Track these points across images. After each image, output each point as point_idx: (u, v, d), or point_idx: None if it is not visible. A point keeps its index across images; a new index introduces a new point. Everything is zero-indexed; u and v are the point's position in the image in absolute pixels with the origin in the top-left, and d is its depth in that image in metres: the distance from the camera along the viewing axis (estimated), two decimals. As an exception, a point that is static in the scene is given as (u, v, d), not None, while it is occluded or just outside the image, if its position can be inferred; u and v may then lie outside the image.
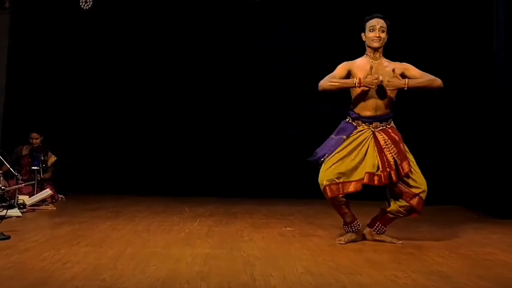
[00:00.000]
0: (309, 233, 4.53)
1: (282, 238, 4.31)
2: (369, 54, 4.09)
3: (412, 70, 4.05)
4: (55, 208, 6.02)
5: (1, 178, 5.74)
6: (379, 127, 4.02)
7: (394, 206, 4.03)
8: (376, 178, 3.88)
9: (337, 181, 3.85)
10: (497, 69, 6.46)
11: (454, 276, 3.01)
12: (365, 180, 3.86)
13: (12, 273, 2.85)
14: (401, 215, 4.07)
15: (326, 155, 3.95)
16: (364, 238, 4.18)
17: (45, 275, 2.82)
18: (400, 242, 4.06)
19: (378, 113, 4.03)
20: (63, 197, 7.00)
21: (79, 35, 8.11)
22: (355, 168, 3.89)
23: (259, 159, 8.14)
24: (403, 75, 4.02)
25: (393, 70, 3.97)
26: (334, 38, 7.59)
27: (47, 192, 6.19)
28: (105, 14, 7.92)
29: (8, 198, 5.49)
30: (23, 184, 5.97)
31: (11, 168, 5.75)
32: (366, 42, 4.09)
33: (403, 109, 7.21)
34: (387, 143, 3.95)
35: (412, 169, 3.93)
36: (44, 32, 8.05)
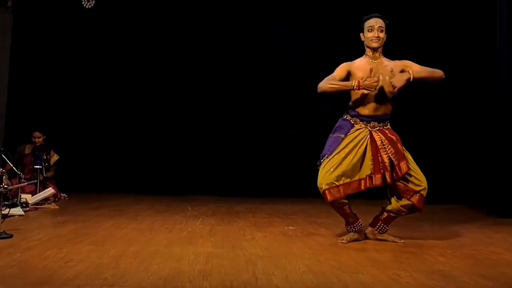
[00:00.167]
0: (311, 232, 4.53)
1: (284, 237, 4.30)
2: (368, 54, 4.07)
3: (412, 66, 4.02)
4: (57, 207, 6.03)
5: (4, 177, 5.74)
6: (376, 127, 4.00)
7: (395, 205, 4.02)
8: (369, 180, 3.88)
9: (337, 183, 3.83)
10: (501, 66, 6.43)
11: (457, 275, 3.00)
12: (368, 184, 3.88)
13: (14, 272, 2.86)
14: (403, 213, 4.07)
15: (326, 155, 3.93)
16: (366, 237, 4.17)
17: (48, 274, 2.82)
18: (403, 241, 4.06)
19: (377, 113, 4.01)
20: (66, 196, 7.01)
21: (81, 34, 8.13)
22: (354, 169, 3.88)
23: (259, 159, 8.15)
24: (403, 72, 3.99)
25: (391, 70, 3.97)
26: (334, 38, 7.59)
27: (49, 191, 6.20)
28: (106, 14, 7.94)
29: (10, 197, 5.51)
30: (26, 183, 5.99)
31: (13, 167, 5.76)
32: (365, 42, 4.07)
33: (406, 108, 7.30)
34: (384, 143, 3.93)
35: (411, 168, 3.91)
36: (47, 32, 8.07)
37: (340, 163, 3.86)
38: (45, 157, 6.66)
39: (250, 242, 4.01)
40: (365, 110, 4.01)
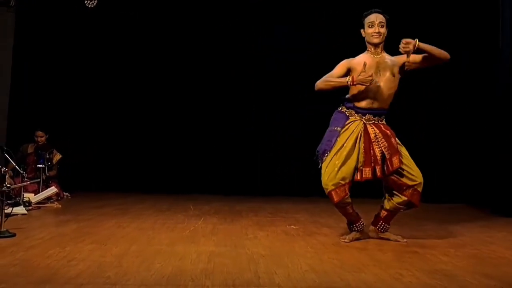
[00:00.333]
0: (313, 231, 4.53)
1: (286, 236, 4.31)
2: (370, 50, 4.05)
3: (413, 56, 4.02)
4: (60, 206, 6.04)
5: (7, 176, 5.75)
6: (371, 121, 3.99)
7: (390, 203, 4.02)
8: (358, 174, 3.87)
9: (343, 182, 3.84)
10: (503, 66, 6.43)
11: (459, 274, 3.00)
12: (357, 177, 3.87)
13: (17, 270, 2.86)
14: (401, 210, 4.05)
15: (327, 152, 3.92)
16: (368, 236, 4.17)
17: (50, 273, 2.83)
18: (405, 240, 4.06)
19: (374, 106, 3.99)
20: (68, 195, 7.02)
21: (83, 34, 8.14)
22: (354, 166, 3.88)
23: (259, 159, 8.17)
24: (405, 63, 4.01)
25: (393, 65, 3.96)
26: (334, 38, 7.60)
27: (52, 190, 6.22)
28: (108, 14, 7.94)
29: (13, 196, 5.50)
30: (29, 182, 6.00)
31: (16, 166, 5.77)
32: (365, 38, 4.06)
33: (408, 107, 7.33)
34: (377, 136, 3.92)
35: (404, 163, 3.88)
36: (49, 31, 8.08)
37: (345, 162, 3.85)
38: (47, 156, 6.67)
39: (253, 241, 4.01)
40: (362, 103, 4.00)
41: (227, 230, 4.55)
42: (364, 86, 3.90)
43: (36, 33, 8.04)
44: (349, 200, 3.94)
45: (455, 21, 7.58)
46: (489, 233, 4.66)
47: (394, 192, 3.99)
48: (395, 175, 3.90)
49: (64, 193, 6.94)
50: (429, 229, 4.75)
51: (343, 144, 3.91)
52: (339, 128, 3.97)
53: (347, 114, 4.03)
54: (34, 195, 5.94)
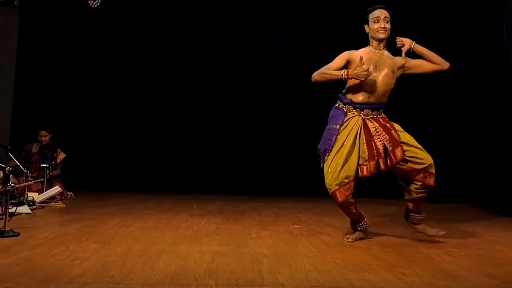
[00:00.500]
0: (316, 231, 4.53)
1: (290, 235, 4.31)
2: (373, 45, 4.03)
3: (413, 60, 4.05)
4: (64, 205, 6.06)
5: (11, 175, 5.77)
6: (370, 115, 3.98)
7: (409, 192, 3.96)
8: (364, 168, 3.85)
9: (346, 181, 3.82)
10: (508, 64, 6.42)
11: (463, 274, 3.00)
12: (359, 174, 3.85)
13: (21, 270, 2.87)
14: (422, 195, 3.94)
15: (328, 151, 3.90)
16: (372, 236, 4.15)
17: (54, 272, 2.84)
18: (442, 232, 3.98)
19: (371, 100, 3.98)
20: (72, 194, 7.04)
21: (87, 34, 8.15)
22: (356, 164, 3.86)
23: (258, 159, 8.17)
24: (405, 66, 4.03)
25: (401, 67, 3.96)
26: (331, 38, 7.59)
27: (56, 189, 6.23)
28: (111, 14, 7.95)
29: (17, 195, 5.53)
30: (33, 181, 6.02)
31: (20, 166, 5.78)
32: (370, 34, 4.03)
33: (410, 106, 7.32)
34: (377, 130, 3.91)
35: (408, 149, 3.85)
36: (53, 31, 8.10)
37: (347, 161, 3.84)
38: (51, 155, 6.69)
39: (256, 240, 4.01)
40: (359, 97, 3.98)
41: (230, 229, 4.55)
42: (359, 81, 3.85)
43: (40, 33, 8.06)
44: (352, 200, 3.93)
45: (455, 21, 7.57)
46: (492, 232, 4.65)
47: (408, 180, 3.94)
48: (401, 163, 3.86)
49: (68, 193, 6.95)
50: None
51: (344, 143, 3.89)
52: (337, 126, 3.95)
53: (345, 110, 4.01)
54: (38, 194, 5.96)
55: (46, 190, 6.16)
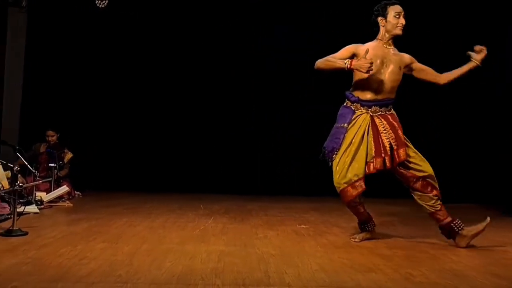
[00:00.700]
0: (323, 231, 4.52)
1: (296, 235, 4.30)
2: (383, 39, 3.97)
3: (419, 64, 4.04)
4: (71, 205, 6.08)
5: (19, 175, 5.81)
6: (378, 112, 3.94)
7: (423, 203, 3.90)
8: (371, 165, 3.82)
9: (355, 178, 3.79)
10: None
11: (470, 274, 2.99)
12: (366, 171, 3.82)
13: (29, 269, 2.89)
14: (435, 204, 3.87)
15: (335, 150, 3.87)
16: (379, 237, 4.11)
17: (62, 271, 2.85)
18: (488, 219, 3.85)
19: (379, 97, 3.94)
20: (80, 194, 7.06)
21: (94, 34, 8.17)
22: (364, 162, 3.83)
23: (259, 159, 8.16)
24: (410, 66, 4.01)
25: (406, 66, 3.96)
26: (334, 38, 7.50)
27: (64, 189, 6.25)
28: (118, 14, 7.97)
29: (26, 195, 5.56)
30: (41, 181, 6.04)
31: (28, 165, 5.81)
32: (385, 27, 3.94)
33: (419, 107, 7.30)
34: (385, 128, 3.88)
35: (410, 155, 3.84)
36: (60, 31, 8.13)
37: (354, 159, 3.81)
38: (59, 155, 6.72)
39: (263, 240, 4.01)
40: (366, 95, 3.95)
41: (237, 229, 4.55)
42: (363, 75, 3.79)
43: (48, 33, 8.09)
44: (361, 199, 3.91)
45: (455, 20, 7.56)
46: (500, 233, 4.63)
47: (409, 187, 3.91)
48: (402, 168, 3.85)
49: (76, 192, 6.98)
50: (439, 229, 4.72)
51: (351, 141, 3.86)
52: (346, 125, 3.91)
53: (353, 108, 3.97)
54: (46, 194, 5.98)
55: (54, 190, 6.19)
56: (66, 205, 6.07)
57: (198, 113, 8.25)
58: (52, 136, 6.96)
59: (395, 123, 3.93)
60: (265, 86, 8.15)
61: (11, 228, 3.92)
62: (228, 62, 8.21)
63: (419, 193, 3.87)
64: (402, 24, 3.91)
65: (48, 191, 6.14)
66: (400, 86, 4.04)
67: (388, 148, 3.84)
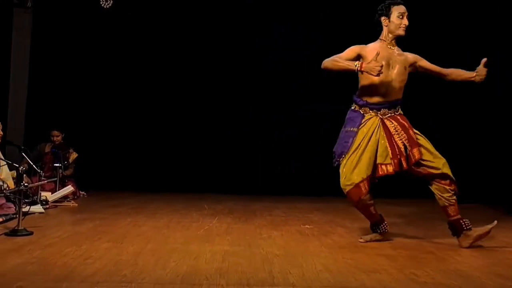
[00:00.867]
0: (328, 231, 4.52)
1: (301, 235, 4.30)
2: (386, 39, 3.95)
3: (423, 61, 4.01)
4: (76, 205, 6.10)
5: (24, 175, 5.82)
6: (387, 114, 3.92)
7: (438, 197, 3.89)
8: (388, 167, 3.80)
9: (360, 179, 3.77)
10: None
11: (475, 275, 2.98)
12: (380, 172, 3.80)
13: (34, 269, 2.90)
14: (451, 198, 3.88)
15: (344, 153, 3.85)
16: (389, 239, 4.07)
17: (67, 271, 2.86)
18: (495, 221, 3.83)
19: (387, 99, 3.92)
20: (85, 194, 7.08)
21: (99, 34, 8.19)
22: (370, 163, 3.81)
23: (258, 159, 8.17)
24: (415, 65, 3.98)
25: (411, 65, 3.94)
26: (331, 37, 7.57)
27: (69, 188, 6.27)
28: (122, 14, 7.99)
29: (31, 195, 5.58)
30: (46, 181, 6.06)
31: (33, 165, 5.83)
32: (388, 27, 3.92)
33: (423, 107, 7.28)
34: (396, 129, 3.86)
35: (423, 153, 3.81)
36: (65, 32, 8.16)
37: (359, 160, 3.80)
38: (63, 155, 6.73)
39: (267, 240, 4.02)
40: (374, 98, 3.92)
41: (241, 229, 4.56)
42: (372, 77, 3.76)
43: (53, 33, 8.12)
44: (371, 201, 3.88)
45: (455, 20, 7.55)
46: (505, 233, 4.60)
47: (429, 181, 3.89)
48: (417, 169, 3.83)
49: (80, 192, 7.00)
50: (444, 229, 4.68)
51: (359, 144, 3.84)
52: (355, 129, 3.88)
53: (362, 112, 3.94)
54: (51, 194, 6.00)
55: (59, 190, 6.21)
56: (71, 205, 6.09)
57: (198, 113, 8.26)
58: (57, 136, 6.98)
59: (405, 123, 3.92)
60: (262, 86, 8.15)
61: (16, 228, 3.94)
62: (225, 62, 8.22)
63: (437, 184, 3.85)
64: (405, 25, 3.89)
65: (53, 191, 6.16)
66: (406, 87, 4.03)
67: (403, 149, 3.81)
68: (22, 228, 3.95)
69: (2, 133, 5.57)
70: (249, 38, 8.18)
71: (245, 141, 8.17)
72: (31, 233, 3.94)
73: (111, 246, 3.57)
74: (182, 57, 8.27)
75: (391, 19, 3.91)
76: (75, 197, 6.66)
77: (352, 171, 3.79)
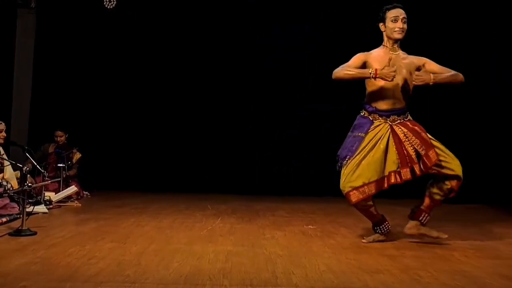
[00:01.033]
0: (331, 232, 4.51)
1: (304, 236, 4.30)
2: (387, 45, 3.95)
3: (431, 64, 3.95)
4: (80, 205, 6.11)
5: (28, 175, 5.84)
6: (397, 121, 3.89)
7: (436, 189, 3.89)
8: (398, 176, 3.75)
9: (359, 184, 3.73)
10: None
11: (479, 275, 2.98)
12: (392, 180, 3.75)
13: (38, 269, 2.91)
14: (442, 196, 3.91)
15: (348, 157, 3.83)
16: (392, 239, 4.05)
17: (71, 271, 2.87)
18: (446, 235, 3.91)
19: (396, 106, 3.90)
20: (88, 194, 7.09)
21: (103, 35, 8.21)
22: (376, 167, 3.76)
23: (257, 158, 8.16)
24: (420, 69, 3.93)
25: (418, 68, 3.91)
26: (331, 37, 7.57)
27: (72, 189, 6.29)
28: (125, 15, 8.00)
29: (34, 195, 5.59)
30: (49, 181, 6.08)
31: (37, 165, 5.84)
32: (385, 33, 3.94)
33: (428, 105, 7.27)
34: (407, 135, 3.82)
35: (441, 154, 3.79)
36: (69, 32, 8.17)
37: (360, 163, 3.77)
38: (67, 155, 6.75)
39: (270, 241, 4.02)
40: (383, 105, 3.90)
41: (244, 229, 4.56)
42: (378, 83, 3.78)
43: (56, 34, 8.14)
44: (370, 202, 3.86)
45: (455, 20, 7.54)
46: (509, 234, 4.60)
47: (437, 180, 3.89)
48: (435, 168, 3.79)
49: (84, 192, 7.01)
50: (448, 230, 4.66)
51: (364, 147, 3.82)
52: (363, 134, 3.86)
53: (371, 119, 3.92)
54: (55, 194, 6.02)
55: (62, 190, 6.23)
56: (75, 205, 6.10)
57: (199, 113, 8.26)
58: (61, 137, 7.00)
59: (416, 128, 3.87)
60: (263, 86, 8.15)
61: (20, 228, 3.95)
62: (226, 62, 8.21)
63: (446, 184, 3.85)
64: (399, 28, 3.87)
65: (56, 191, 6.18)
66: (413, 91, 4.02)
67: (414, 156, 3.76)
68: (26, 228, 3.96)
69: (5, 134, 5.59)
70: (249, 38, 8.17)
71: (245, 141, 8.16)
72: (35, 233, 3.95)
73: (114, 246, 3.58)
74: (184, 57, 8.27)
75: (387, 24, 3.93)
76: (79, 197, 6.67)
77: (353, 173, 3.76)
